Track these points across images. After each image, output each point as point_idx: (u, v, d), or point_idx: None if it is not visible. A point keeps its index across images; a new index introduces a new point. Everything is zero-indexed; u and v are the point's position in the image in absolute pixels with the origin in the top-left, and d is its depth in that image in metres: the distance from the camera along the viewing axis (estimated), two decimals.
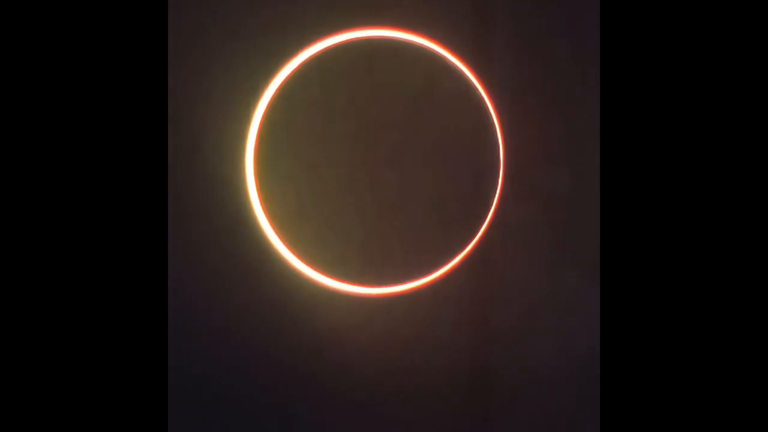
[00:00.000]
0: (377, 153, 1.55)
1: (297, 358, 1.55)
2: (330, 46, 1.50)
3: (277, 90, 1.50)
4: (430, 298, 1.57)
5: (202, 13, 1.51)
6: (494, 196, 1.57)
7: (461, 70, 1.54)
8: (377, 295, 1.54)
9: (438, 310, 1.58)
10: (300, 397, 1.56)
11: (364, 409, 1.58)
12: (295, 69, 1.50)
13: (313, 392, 1.56)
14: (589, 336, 1.60)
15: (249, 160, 1.50)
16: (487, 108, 1.55)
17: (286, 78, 1.50)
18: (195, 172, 1.51)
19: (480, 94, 1.55)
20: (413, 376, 1.59)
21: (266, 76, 1.50)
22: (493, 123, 1.55)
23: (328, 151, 1.53)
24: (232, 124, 1.51)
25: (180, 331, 1.51)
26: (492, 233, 1.57)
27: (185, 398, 1.52)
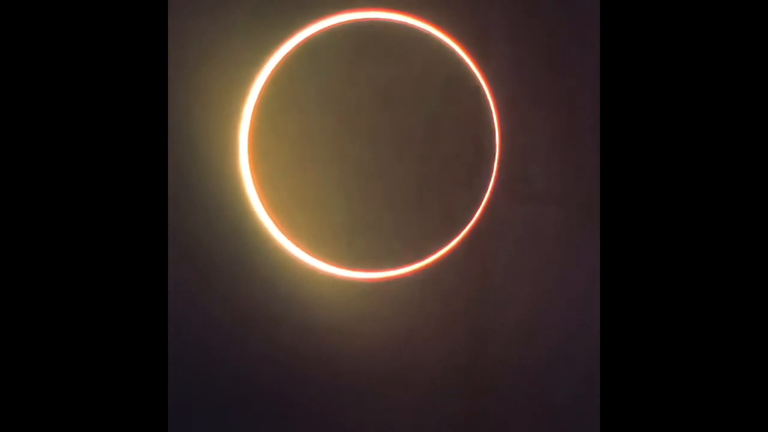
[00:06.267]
0: (372, 141, 1.55)
1: (294, 342, 1.55)
2: (322, 29, 1.50)
3: (268, 79, 1.50)
4: (426, 283, 1.57)
5: (201, 9, 1.51)
6: (488, 184, 1.57)
7: (459, 57, 1.54)
8: (373, 279, 1.55)
9: (434, 296, 1.59)
10: (297, 384, 1.56)
11: (363, 394, 1.58)
12: (286, 55, 1.50)
13: (310, 379, 1.56)
14: (588, 335, 1.59)
15: (244, 151, 1.51)
16: (485, 97, 1.55)
17: (277, 65, 1.50)
18: (194, 166, 1.52)
19: (478, 81, 1.55)
20: (410, 361, 1.59)
21: (259, 66, 1.51)
22: (490, 111, 1.55)
23: (323, 139, 1.54)
24: (228, 117, 1.51)
25: (180, 320, 1.51)
26: (486, 221, 1.57)
27: (185, 384, 1.52)
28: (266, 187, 1.52)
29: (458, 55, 1.55)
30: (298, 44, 1.51)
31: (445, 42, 1.54)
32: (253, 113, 1.51)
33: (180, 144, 1.50)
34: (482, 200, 1.57)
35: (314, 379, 1.56)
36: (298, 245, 1.53)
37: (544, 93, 1.59)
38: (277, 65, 1.51)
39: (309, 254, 1.53)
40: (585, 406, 1.60)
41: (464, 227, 1.57)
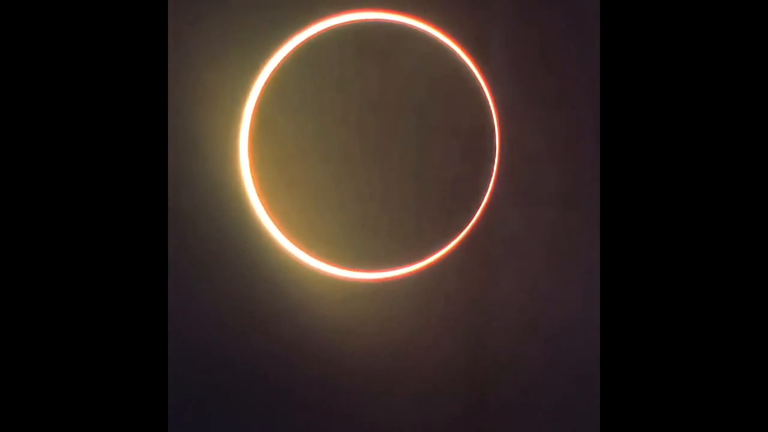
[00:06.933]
0: (372, 142, 1.55)
1: (294, 342, 1.55)
2: (322, 30, 1.50)
3: (268, 80, 1.50)
4: (425, 283, 1.57)
5: (201, 9, 1.51)
6: (488, 184, 1.57)
7: (459, 57, 1.54)
8: (373, 280, 1.55)
9: (433, 296, 1.59)
10: (297, 384, 1.56)
11: (362, 394, 1.58)
12: (286, 56, 1.50)
13: (310, 379, 1.56)
14: (588, 335, 1.59)
15: (244, 151, 1.51)
16: (485, 97, 1.55)
17: (277, 66, 1.50)
18: (194, 167, 1.52)
19: (477, 81, 1.55)
20: (410, 361, 1.59)
21: (259, 67, 1.51)
22: (490, 112, 1.55)
23: (322, 139, 1.54)
24: (228, 117, 1.51)
25: (180, 320, 1.51)
26: (486, 222, 1.57)
27: (185, 384, 1.52)
28: (266, 187, 1.52)
29: (457, 55, 1.55)
30: (297, 45, 1.51)
31: (444, 42, 1.54)
32: (253, 114, 1.51)
33: (180, 144, 1.50)
34: (482, 201, 1.57)
35: (314, 378, 1.56)
36: (297, 245, 1.53)
37: (543, 93, 1.59)
38: (277, 66, 1.51)
39: (309, 255, 1.53)
40: (585, 406, 1.60)
41: (464, 228, 1.57)
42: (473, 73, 1.55)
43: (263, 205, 1.52)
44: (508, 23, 1.58)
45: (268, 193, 1.53)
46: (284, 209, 1.53)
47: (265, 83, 1.51)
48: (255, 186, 1.52)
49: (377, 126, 1.55)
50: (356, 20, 1.52)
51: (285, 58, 1.51)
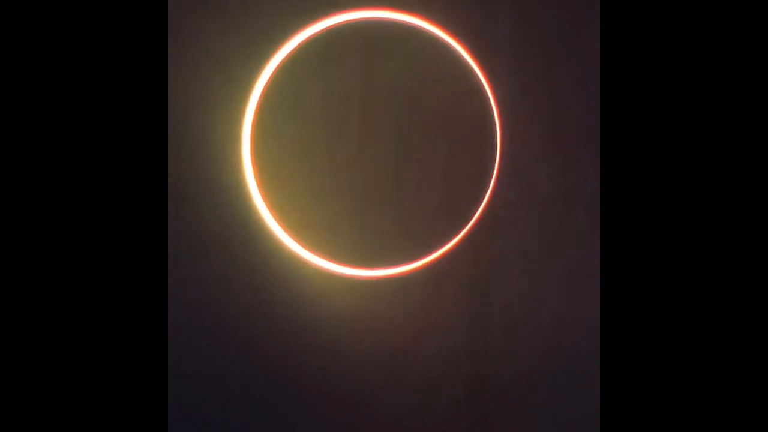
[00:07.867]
0: (374, 140, 1.55)
1: (294, 339, 1.56)
2: (324, 29, 1.51)
3: (270, 79, 1.50)
4: (426, 281, 1.57)
5: (201, 8, 1.51)
6: (489, 183, 1.57)
7: (462, 57, 1.54)
8: (374, 277, 1.55)
9: (434, 295, 1.59)
10: (295, 383, 1.56)
11: (360, 394, 1.58)
12: (287, 55, 1.50)
13: (308, 378, 1.56)
14: (588, 335, 1.60)
15: (246, 148, 1.51)
16: (486, 95, 1.55)
17: (279, 65, 1.50)
18: (194, 166, 1.52)
19: (480, 80, 1.55)
20: (410, 360, 1.59)
21: (261, 66, 1.51)
22: (492, 110, 1.55)
23: (324, 138, 1.54)
24: (229, 117, 1.51)
25: (180, 320, 1.51)
26: (487, 220, 1.58)
27: (185, 383, 1.52)
28: (269, 185, 1.52)
29: (459, 53, 1.55)
30: (299, 44, 1.51)
31: (446, 41, 1.55)
32: (255, 113, 1.51)
33: (181, 145, 1.50)
34: (482, 200, 1.57)
35: (313, 377, 1.56)
36: (299, 243, 1.53)
37: (545, 92, 1.60)
38: (279, 65, 1.51)
39: (311, 252, 1.53)
40: (585, 405, 1.60)
41: (465, 226, 1.57)
42: (475, 72, 1.56)
43: (265, 203, 1.52)
44: (510, 22, 1.58)
45: (270, 192, 1.53)
46: (286, 207, 1.53)
47: (267, 82, 1.51)
48: (257, 185, 1.52)
49: (379, 124, 1.55)
50: (358, 19, 1.52)
51: (287, 57, 1.51)
